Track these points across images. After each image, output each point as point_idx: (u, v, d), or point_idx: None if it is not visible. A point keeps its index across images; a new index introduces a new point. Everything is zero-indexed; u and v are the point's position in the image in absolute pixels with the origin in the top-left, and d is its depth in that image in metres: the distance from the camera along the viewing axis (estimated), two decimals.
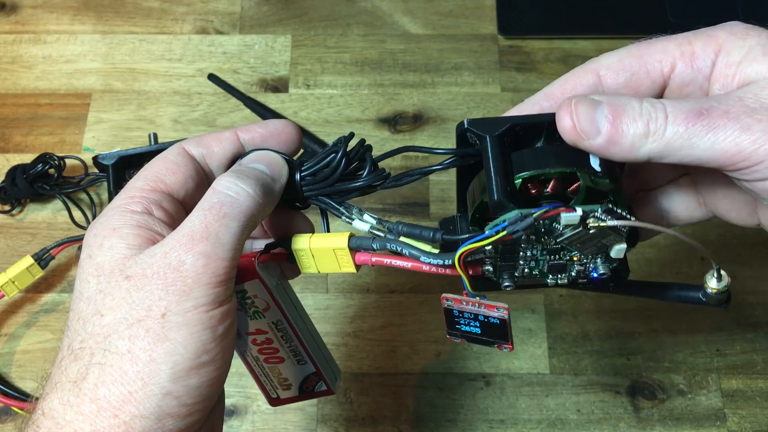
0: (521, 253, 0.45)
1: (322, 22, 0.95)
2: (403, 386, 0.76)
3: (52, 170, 0.82)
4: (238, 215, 0.42)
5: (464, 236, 0.44)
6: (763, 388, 0.76)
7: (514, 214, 0.42)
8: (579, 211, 0.42)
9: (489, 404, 0.76)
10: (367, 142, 0.48)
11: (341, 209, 0.48)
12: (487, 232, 0.43)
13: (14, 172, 0.82)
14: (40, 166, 0.82)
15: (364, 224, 0.48)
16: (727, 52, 0.43)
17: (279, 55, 0.93)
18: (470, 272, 0.46)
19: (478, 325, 0.47)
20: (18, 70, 0.92)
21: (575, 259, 0.45)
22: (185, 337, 0.39)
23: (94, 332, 0.40)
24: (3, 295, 0.77)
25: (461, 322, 0.48)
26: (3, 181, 0.82)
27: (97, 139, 0.87)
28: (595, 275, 0.46)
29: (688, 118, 0.40)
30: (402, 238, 0.46)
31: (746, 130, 0.39)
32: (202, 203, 0.42)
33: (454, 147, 0.46)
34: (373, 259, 0.47)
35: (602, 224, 0.42)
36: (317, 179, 0.48)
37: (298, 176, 0.48)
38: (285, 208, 0.50)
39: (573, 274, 0.47)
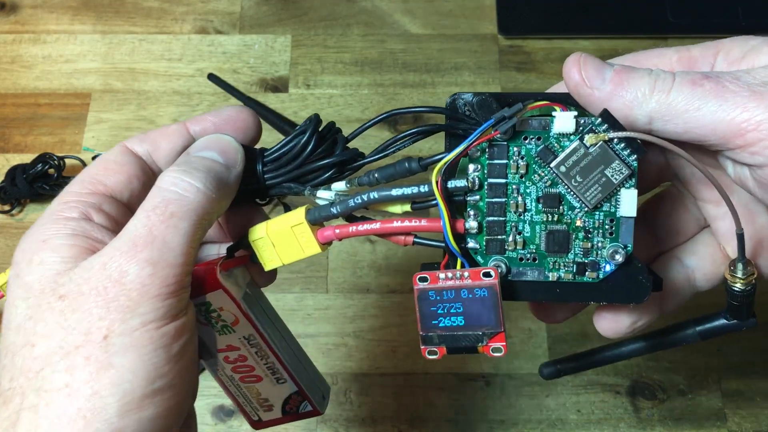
0: (511, 201, 0.41)
1: (322, 21, 0.94)
2: (403, 386, 0.77)
3: (51, 170, 0.82)
4: (187, 214, 0.37)
5: (442, 153, 0.41)
6: (764, 388, 0.76)
7: (500, 113, 0.39)
8: (574, 111, 0.40)
9: (489, 404, 0.76)
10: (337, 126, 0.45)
11: (306, 188, 0.43)
12: (470, 135, 0.40)
13: (14, 172, 0.82)
14: (39, 166, 0.81)
15: (329, 193, 0.43)
16: (726, 51, 0.42)
17: (279, 55, 0.92)
18: (452, 223, 0.41)
19: (461, 309, 0.41)
20: (18, 70, 0.91)
21: (579, 223, 0.41)
22: (133, 362, 0.35)
23: (25, 367, 0.35)
24: (2, 295, 0.77)
25: (439, 311, 0.41)
26: (3, 181, 0.82)
27: (97, 139, 0.87)
28: (610, 267, 0.41)
29: (694, 81, 0.38)
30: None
31: (757, 97, 0.36)
32: (145, 204, 0.38)
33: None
34: (337, 230, 0.42)
35: (601, 136, 0.40)
36: (282, 163, 0.43)
37: (259, 166, 0.44)
38: (244, 204, 0.45)
39: (578, 253, 0.42)
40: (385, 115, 0.43)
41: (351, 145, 0.44)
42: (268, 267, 0.44)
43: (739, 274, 0.42)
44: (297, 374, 0.47)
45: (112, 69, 0.91)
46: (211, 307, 0.43)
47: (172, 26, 0.94)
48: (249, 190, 0.44)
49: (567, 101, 0.42)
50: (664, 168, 0.47)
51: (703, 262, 0.47)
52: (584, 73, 0.39)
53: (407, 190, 0.40)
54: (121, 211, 0.40)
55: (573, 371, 0.51)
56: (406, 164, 0.41)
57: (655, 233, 0.48)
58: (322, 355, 0.78)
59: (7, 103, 0.90)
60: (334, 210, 0.42)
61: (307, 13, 0.95)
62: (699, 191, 0.46)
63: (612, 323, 0.46)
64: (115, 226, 0.39)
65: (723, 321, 0.44)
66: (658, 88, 0.38)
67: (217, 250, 0.47)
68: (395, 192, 0.41)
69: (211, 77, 0.90)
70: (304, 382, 0.48)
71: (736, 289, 0.42)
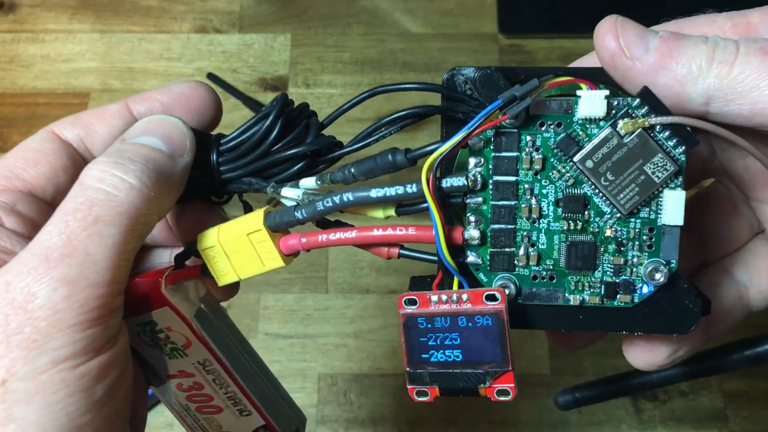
0: (522, 204, 0.33)
1: (322, 21, 0.90)
2: (403, 387, 0.75)
3: None
4: (116, 218, 0.29)
5: (436, 143, 0.31)
6: (766, 389, 0.73)
7: (509, 92, 0.31)
8: (605, 90, 0.31)
9: (489, 405, 0.74)
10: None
11: (269, 184, 0.34)
12: (472, 121, 0.31)
13: None
14: None
15: (296, 191, 0.34)
16: None
17: (278, 55, 0.89)
18: (447, 232, 0.32)
19: (458, 341, 0.32)
20: (16, 70, 0.89)
21: (608, 233, 0.32)
22: (40, 413, 0.27)
23: None
24: None
25: (431, 343, 0.32)
26: None
27: None
28: (648, 289, 0.33)
29: (766, 49, 0.29)
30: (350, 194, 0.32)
31: None
32: (63, 205, 0.29)
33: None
34: (303, 240, 0.33)
35: (641, 122, 0.31)
36: (241, 153, 0.35)
37: (214, 155, 0.35)
38: (197, 204, 0.37)
39: (608, 271, 0.33)
40: (367, 94, 0.34)
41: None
42: (221, 282, 0.36)
43: None
44: (264, 405, 0.39)
45: (111, 68, 0.89)
46: (157, 327, 0.35)
47: (172, 25, 0.91)
48: (201, 185, 0.35)
49: (596, 78, 0.33)
50: (709, 161, 0.38)
51: (758, 276, 0.38)
52: (623, 41, 0.31)
53: (390, 191, 0.32)
54: (42, 211, 0.33)
55: (593, 401, 0.43)
56: (390, 157, 0.32)
57: (698, 240, 0.39)
58: (322, 356, 0.76)
59: (6, 102, 0.87)
60: (298, 215, 0.33)
61: (307, 12, 0.91)
62: (754, 189, 0.37)
63: (647, 354, 0.37)
64: (34, 230, 0.30)
65: None
66: (718, 58, 0.30)
67: (169, 257, 0.39)
68: (375, 193, 0.32)
69: (211, 77, 0.87)
70: (272, 415, 0.40)
71: None
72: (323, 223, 0.35)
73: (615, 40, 0.31)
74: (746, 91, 0.30)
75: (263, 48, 0.90)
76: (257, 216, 0.34)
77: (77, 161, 0.34)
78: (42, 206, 0.33)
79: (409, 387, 0.34)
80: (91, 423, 0.28)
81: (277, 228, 0.34)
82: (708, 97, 0.30)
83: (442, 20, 0.91)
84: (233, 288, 0.39)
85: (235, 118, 0.87)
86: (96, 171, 0.30)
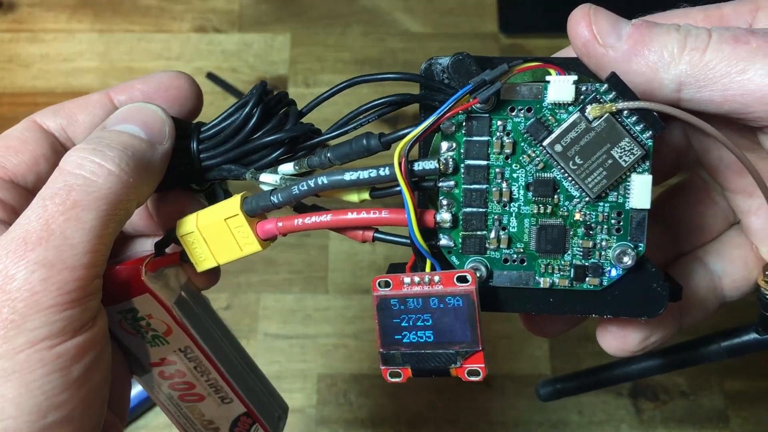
0: (493, 188, 0.33)
1: (322, 20, 0.91)
2: (403, 388, 0.74)
3: None
4: (94, 203, 0.30)
5: (407, 128, 0.32)
6: (766, 390, 0.74)
7: (479, 76, 0.31)
8: (574, 75, 0.32)
9: (490, 406, 0.74)
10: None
11: (248, 171, 0.35)
12: (442, 106, 0.31)
13: None
14: None
15: (274, 176, 0.35)
16: None
17: (278, 54, 0.89)
18: (420, 215, 0.33)
19: (429, 322, 0.33)
20: (15, 69, 0.89)
21: (578, 216, 0.33)
22: (17, 391, 0.28)
23: None
24: None
25: (404, 324, 0.33)
26: None
27: None
28: (616, 272, 0.33)
29: (737, 37, 0.30)
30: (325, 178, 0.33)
31: None
32: (43, 191, 0.30)
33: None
34: (280, 224, 0.34)
35: (608, 107, 0.31)
36: (221, 140, 0.35)
37: (194, 143, 0.35)
38: (178, 192, 0.38)
39: (577, 254, 0.33)
40: (347, 83, 0.35)
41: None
42: (200, 267, 0.36)
43: None
44: (245, 393, 0.40)
45: (111, 68, 0.89)
46: (138, 315, 0.36)
47: (171, 25, 0.91)
48: (182, 173, 0.36)
49: (570, 67, 0.34)
50: (685, 152, 0.39)
51: (731, 266, 0.39)
52: (596, 28, 0.32)
53: (363, 174, 0.32)
54: (23, 198, 0.33)
55: (574, 392, 0.44)
56: (364, 141, 0.33)
57: (673, 231, 0.40)
58: (322, 356, 0.76)
59: (5, 102, 0.88)
60: (274, 199, 0.34)
61: (307, 12, 0.91)
62: (728, 180, 0.38)
63: (618, 340, 0.39)
64: (15, 218, 0.31)
65: (754, 336, 0.37)
66: (690, 45, 0.30)
67: (151, 245, 0.39)
68: (348, 176, 0.32)
69: (210, 76, 0.88)
70: (254, 402, 0.41)
71: None
72: (300, 207, 0.36)
73: (588, 28, 0.32)
74: (717, 78, 0.30)
75: (263, 47, 0.90)
76: (234, 201, 0.35)
77: (58, 150, 0.35)
78: (23, 194, 0.34)
79: (382, 368, 0.34)
80: (69, 402, 0.29)
81: (254, 213, 0.35)
82: (680, 84, 0.31)
83: (442, 20, 0.91)
84: (214, 275, 0.39)
85: None
86: (75, 157, 0.31)
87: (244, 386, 0.40)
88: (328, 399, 0.74)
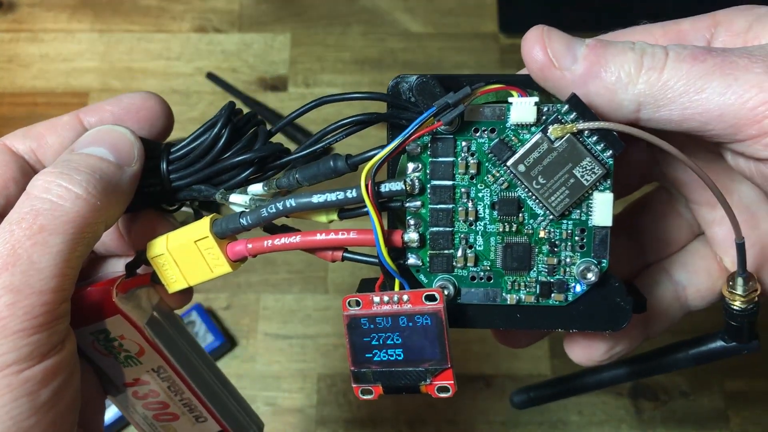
0: (459, 208, 0.34)
1: (322, 20, 0.91)
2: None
3: None
4: (61, 227, 0.30)
5: (373, 150, 0.33)
6: (766, 390, 0.74)
7: (442, 99, 0.32)
8: (535, 97, 0.33)
9: (490, 406, 0.74)
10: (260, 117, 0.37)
11: (218, 191, 0.35)
12: (407, 129, 0.32)
13: None
14: None
15: (243, 197, 0.35)
16: (728, 23, 0.33)
17: (278, 54, 0.89)
18: (387, 235, 0.34)
19: (399, 340, 0.33)
20: (15, 69, 0.89)
21: (542, 234, 0.34)
22: None
23: None
24: None
25: (374, 342, 0.34)
26: None
27: None
28: (581, 287, 0.34)
29: (695, 55, 0.30)
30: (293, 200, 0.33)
31: None
32: (10, 215, 0.30)
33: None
34: (249, 246, 0.35)
35: (569, 128, 0.32)
36: (190, 161, 0.36)
37: (164, 163, 0.35)
38: (149, 212, 0.38)
39: (542, 270, 0.34)
40: (313, 104, 0.35)
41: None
42: (171, 289, 0.37)
43: (739, 290, 0.35)
44: (220, 411, 0.40)
45: (110, 68, 0.89)
46: (111, 335, 0.36)
47: (171, 25, 0.91)
48: (152, 193, 0.36)
49: (528, 84, 0.34)
50: (650, 165, 0.39)
51: (695, 276, 0.40)
52: (551, 51, 0.32)
53: (331, 197, 0.33)
54: None
55: (548, 400, 0.44)
56: (331, 163, 0.33)
57: (639, 242, 0.41)
58: (322, 356, 0.76)
59: (5, 102, 0.88)
60: (243, 221, 0.34)
61: (307, 12, 0.91)
62: (691, 192, 0.39)
63: (585, 350, 0.40)
64: None
65: (720, 343, 0.38)
66: (647, 64, 0.30)
67: (123, 265, 0.39)
68: (316, 198, 0.33)
69: (210, 76, 0.88)
70: (228, 421, 0.41)
71: (736, 308, 0.35)
72: (270, 228, 0.36)
73: (543, 52, 0.32)
74: (676, 97, 0.30)
75: (263, 47, 0.90)
76: (204, 223, 0.35)
77: (28, 172, 0.35)
78: None
79: (354, 386, 0.35)
80: (36, 426, 0.29)
81: (224, 234, 0.35)
82: (639, 104, 0.31)
83: (442, 19, 0.91)
84: (186, 294, 0.39)
85: None
86: (42, 181, 0.31)
87: (218, 405, 0.41)
88: (328, 399, 0.74)
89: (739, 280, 0.35)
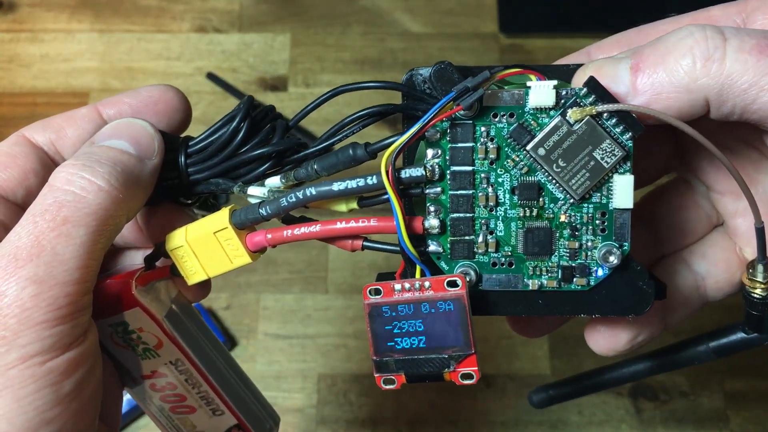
0: (479, 193, 0.34)
1: (322, 20, 0.91)
2: (403, 387, 0.76)
3: None
4: (84, 219, 0.30)
5: (392, 137, 0.33)
6: (766, 390, 0.74)
7: (462, 84, 0.32)
8: (553, 80, 0.33)
9: (490, 406, 0.74)
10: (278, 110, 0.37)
11: (236, 184, 0.35)
12: (426, 114, 0.32)
13: None
14: None
15: (261, 189, 0.35)
16: (765, 6, 0.33)
17: (278, 54, 0.89)
18: (408, 222, 0.34)
19: (421, 327, 0.33)
20: (15, 69, 0.89)
21: (563, 218, 0.34)
22: (9, 407, 0.28)
23: None
24: None
25: (396, 331, 0.33)
26: None
27: None
28: (603, 271, 0.34)
29: (761, 45, 0.29)
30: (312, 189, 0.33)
31: None
32: (33, 207, 0.30)
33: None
34: (269, 236, 0.35)
35: (588, 110, 0.32)
36: (208, 154, 0.36)
37: (182, 157, 0.36)
38: (166, 205, 0.38)
39: (564, 255, 0.34)
40: (330, 93, 0.36)
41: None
42: (191, 281, 0.37)
43: (760, 277, 0.34)
44: (236, 405, 0.40)
45: (110, 68, 0.89)
46: (129, 328, 0.36)
47: (171, 25, 0.91)
48: (170, 187, 0.36)
49: (546, 71, 0.35)
50: (670, 156, 0.40)
51: (714, 267, 0.40)
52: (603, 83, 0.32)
53: (351, 183, 0.32)
54: (12, 213, 0.33)
55: (567, 398, 0.44)
56: (350, 151, 0.33)
57: (657, 232, 0.41)
58: (322, 356, 0.77)
59: (5, 102, 0.88)
60: (263, 211, 0.34)
61: (307, 12, 0.91)
62: (715, 181, 0.39)
63: (607, 339, 0.39)
64: (4, 232, 0.31)
65: (741, 335, 0.37)
66: (700, 53, 0.30)
67: (141, 258, 0.39)
68: (337, 186, 0.33)
69: (210, 76, 0.88)
70: (245, 414, 0.41)
71: (756, 296, 0.35)
72: (288, 219, 0.36)
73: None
74: (741, 92, 0.30)
75: (263, 47, 0.90)
76: (223, 215, 0.35)
77: (47, 164, 0.35)
78: (12, 208, 0.34)
79: (376, 375, 0.35)
80: (60, 417, 0.29)
81: (243, 225, 0.35)
82: (705, 98, 0.30)
83: (442, 19, 0.91)
84: (204, 287, 0.39)
85: None
86: (65, 173, 0.31)
87: (235, 398, 0.41)
88: (328, 399, 0.74)
89: (759, 267, 0.34)
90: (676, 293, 0.39)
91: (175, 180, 0.36)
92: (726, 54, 0.29)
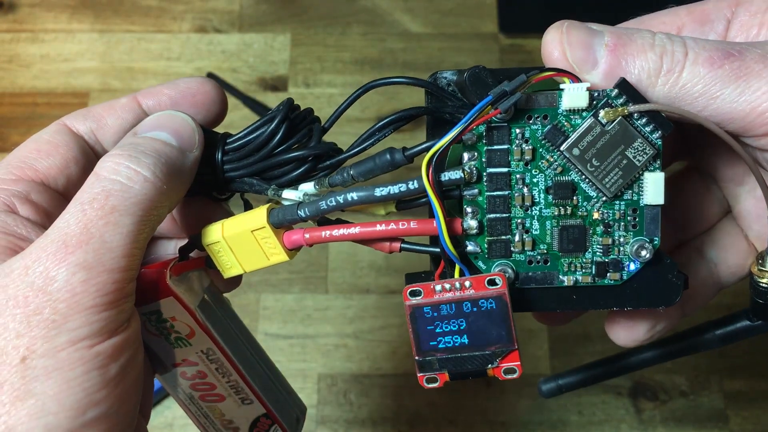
0: (515, 194, 0.35)
1: (322, 20, 0.92)
2: (403, 387, 0.74)
3: None
4: (131, 208, 0.31)
5: (430, 141, 0.33)
6: (766, 390, 0.74)
7: (499, 87, 0.33)
8: (587, 82, 0.33)
9: (489, 405, 0.74)
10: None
11: (270, 187, 0.36)
12: (465, 117, 0.33)
13: None
14: None
15: (295, 193, 0.35)
16: (749, 2, 0.35)
17: (278, 54, 0.89)
18: (447, 223, 0.34)
19: (464, 326, 0.34)
20: (15, 69, 0.89)
21: (596, 216, 0.35)
22: (59, 388, 0.28)
23: None
24: None
25: (438, 330, 0.34)
26: None
27: None
28: (635, 266, 0.35)
29: (713, 59, 0.31)
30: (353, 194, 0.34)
31: None
32: (80, 195, 0.31)
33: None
34: (307, 235, 0.35)
35: (620, 111, 0.33)
36: (245, 153, 0.36)
37: (219, 153, 0.36)
38: (199, 198, 0.38)
39: (598, 251, 0.35)
40: (361, 90, 0.36)
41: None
42: (227, 274, 0.37)
43: None
44: (265, 394, 0.41)
45: (111, 68, 0.89)
46: (163, 317, 0.37)
47: (171, 25, 0.92)
48: (204, 182, 0.37)
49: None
50: (678, 144, 0.41)
51: (725, 252, 0.41)
52: (570, 57, 0.33)
53: (393, 188, 0.33)
54: (54, 201, 0.34)
55: (576, 387, 0.45)
56: (388, 156, 0.34)
57: (671, 221, 0.41)
58: (322, 356, 0.77)
59: (5, 102, 0.88)
60: (301, 213, 0.34)
61: (307, 12, 0.92)
62: (720, 169, 0.40)
63: (628, 330, 0.40)
64: (47, 219, 0.32)
65: (746, 322, 0.38)
66: (665, 67, 0.32)
67: (173, 248, 0.40)
68: (379, 191, 0.33)
69: (210, 76, 0.87)
70: (273, 404, 0.41)
71: (763, 284, 0.36)
72: (323, 221, 0.37)
73: (562, 57, 0.33)
74: (692, 99, 0.32)
75: (263, 47, 0.90)
76: (261, 214, 0.35)
77: (88, 153, 0.36)
78: (54, 196, 0.34)
79: (419, 375, 0.35)
80: (106, 399, 0.30)
81: (280, 225, 0.35)
82: (659, 102, 0.33)
83: (442, 20, 0.92)
84: (236, 279, 0.40)
85: (234, 117, 0.87)
86: (111, 163, 0.31)
87: (263, 388, 0.41)
88: (329, 399, 0.74)
89: None
90: (693, 281, 0.40)
91: (209, 176, 0.37)
92: (685, 66, 0.32)
